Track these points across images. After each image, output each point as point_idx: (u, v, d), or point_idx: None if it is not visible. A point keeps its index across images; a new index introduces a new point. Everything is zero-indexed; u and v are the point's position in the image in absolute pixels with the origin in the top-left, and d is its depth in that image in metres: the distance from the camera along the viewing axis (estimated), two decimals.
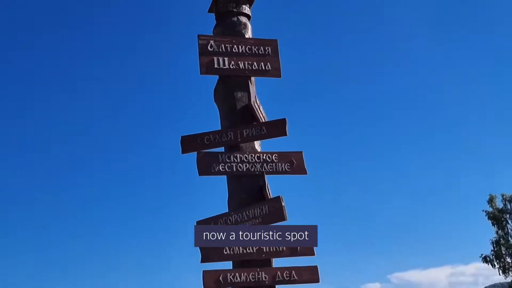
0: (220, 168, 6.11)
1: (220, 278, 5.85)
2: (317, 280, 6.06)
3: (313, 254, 6.09)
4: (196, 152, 6.17)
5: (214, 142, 6.27)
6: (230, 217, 6.07)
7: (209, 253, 5.98)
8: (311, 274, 6.07)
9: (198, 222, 6.16)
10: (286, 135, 6.25)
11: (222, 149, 6.30)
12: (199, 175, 6.08)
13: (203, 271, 5.85)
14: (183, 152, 6.26)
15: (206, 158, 6.15)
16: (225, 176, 6.25)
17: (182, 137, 6.29)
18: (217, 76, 6.57)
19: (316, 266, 6.10)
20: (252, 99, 6.43)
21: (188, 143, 6.28)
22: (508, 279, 41.45)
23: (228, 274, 5.87)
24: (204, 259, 5.94)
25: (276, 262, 6.14)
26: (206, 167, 6.11)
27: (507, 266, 40.64)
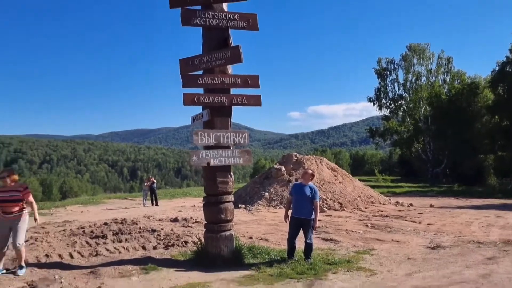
0: (197, 21, 6.28)
1: (195, 99, 6.39)
2: (259, 104, 6.69)
3: (258, 87, 6.63)
4: (180, 8, 6.27)
5: (194, 1, 6.35)
6: (203, 58, 6.42)
7: (188, 81, 6.45)
8: (256, 100, 6.67)
9: (181, 59, 6.49)
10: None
11: (199, 7, 6.40)
12: (182, 25, 6.25)
13: (184, 93, 6.36)
14: (170, 7, 6.30)
15: (187, 12, 6.27)
16: (201, 27, 6.45)
17: None
18: None
19: (260, 95, 6.68)
20: None
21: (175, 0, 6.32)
22: (381, 114, 47.74)
23: (200, 97, 6.41)
24: (184, 85, 6.41)
25: (233, 91, 6.67)
26: (187, 19, 6.26)
27: (382, 105, 46.42)
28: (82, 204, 23.19)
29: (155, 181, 21.67)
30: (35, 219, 6.05)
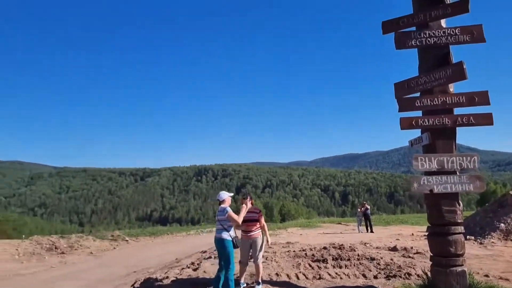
0: (413, 43, 6.06)
1: (413, 122, 6.11)
2: (491, 123, 5.86)
3: (488, 104, 5.86)
4: (394, 32, 6.19)
5: (408, 23, 6.16)
6: (420, 79, 6.11)
7: (404, 104, 6.23)
8: (487, 119, 5.88)
9: (396, 83, 6.35)
10: (468, 12, 5.77)
11: (414, 28, 6.18)
12: (396, 49, 6.13)
13: (400, 117, 6.16)
14: (383, 33, 6.28)
15: (402, 36, 6.13)
16: (416, 48, 6.19)
17: (382, 22, 6.29)
18: None
19: (491, 113, 5.87)
20: None
21: (387, 26, 6.26)
22: None
23: (419, 120, 6.08)
24: (401, 109, 6.21)
25: (456, 111, 6.08)
26: (402, 43, 6.11)
27: None
28: (300, 227, 24.82)
29: (368, 207, 21.42)
30: (267, 241, 6.82)
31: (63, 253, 15.77)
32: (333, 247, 10.66)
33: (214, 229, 6.32)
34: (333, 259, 8.83)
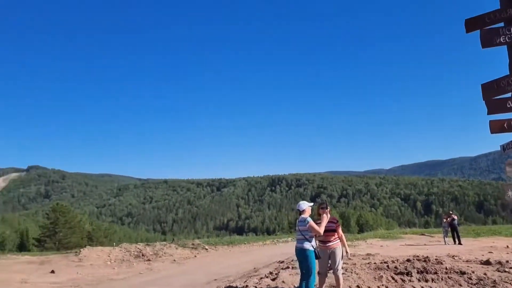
0: (501, 40, 5.62)
1: (505, 125, 5.66)
2: None
3: None
4: (479, 30, 5.80)
5: (494, 19, 5.73)
6: (511, 78, 5.66)
7: (493, 106, 5.79)
8: None
9: (483, 84, 5.93)
10: None
11: (502, 24, 5.74)
12: (482, 47, 5.72)
13: (490, 120, 5.73)
14: (467, 31, 5.91)
15: (488, 33, 5.73)
16: (506, 46, 5.73)
17: (465, 20, 5.93)
18: None
19: None
20: None
21: (471, 24, 5.88)
22: None
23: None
24: (490, 111, 5.77)
25: None
26: (488, 40, 5.69)
27: None
28: (380, 238, 23.86)
29: (455, 217, 20.01)
30: (346, 251, 6.67)
31: (149, 260, 16.77)
32: (418, 260, 10.12)
33: (290, 239, 6.35)
34: (418, 272, 8.37)
